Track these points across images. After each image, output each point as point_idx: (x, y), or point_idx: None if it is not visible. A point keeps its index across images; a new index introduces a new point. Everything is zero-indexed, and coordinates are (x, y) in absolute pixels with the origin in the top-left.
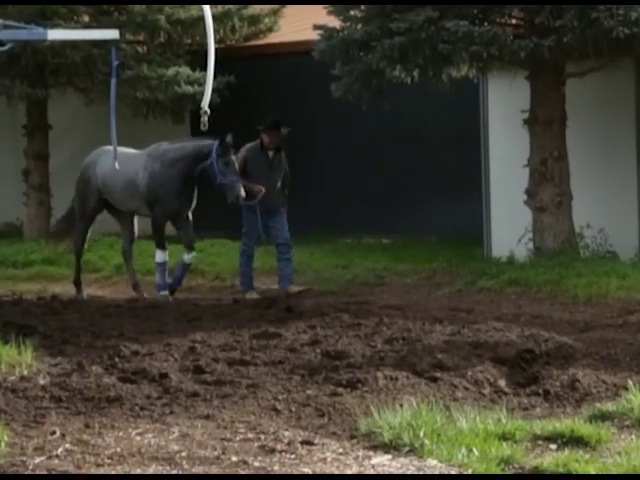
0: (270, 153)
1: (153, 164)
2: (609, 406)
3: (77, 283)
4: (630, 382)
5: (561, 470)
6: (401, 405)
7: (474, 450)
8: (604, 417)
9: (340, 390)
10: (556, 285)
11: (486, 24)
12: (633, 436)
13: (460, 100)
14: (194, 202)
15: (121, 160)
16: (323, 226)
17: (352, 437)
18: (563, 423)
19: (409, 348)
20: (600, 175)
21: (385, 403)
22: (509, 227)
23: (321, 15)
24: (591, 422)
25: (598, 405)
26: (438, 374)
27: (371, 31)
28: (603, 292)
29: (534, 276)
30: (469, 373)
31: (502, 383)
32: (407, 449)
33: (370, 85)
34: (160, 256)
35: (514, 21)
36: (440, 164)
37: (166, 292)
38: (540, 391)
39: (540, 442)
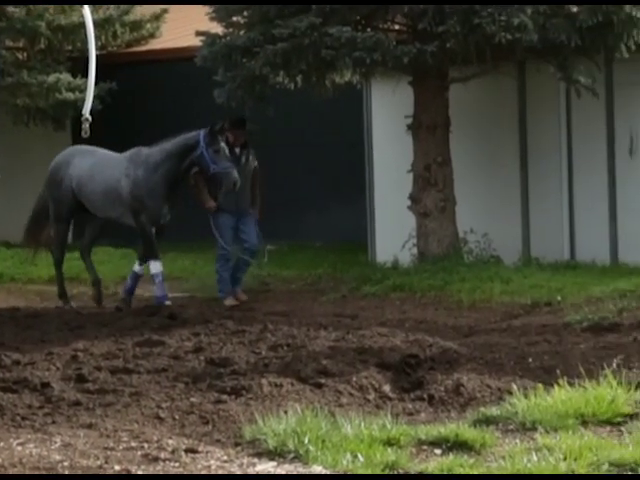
0: (237, 150)
1: (136, 170)
2: (493, 410)
3: (62, 295)
4: (514, 386)
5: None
6: (286, 412)
7: (359, 456)
8: (488, 421)
9: (224, 397)
10: (440, 290)
11: (369, 30)
12: (517, 440)
13: (344, 105)
14: (175, 208)
15: (99, 163)
16: (207, 233)
17: (236, 444)
18: (447, 428)
19: (294, 354)
20: (484, 180)
21: (270, 410)
22: (393, 232)
23: (203, 21)
24: (475, 426)
25: (482, 409)
26: (323, 380)
27: (254, 37)
28: (487, 297)
29: (418, 281)
30: (354, 379)
31: (387, 388)
32: (292, 456)
33: (253, 91)
34: (155, 267)
35: (397, 27)
36: (325, 170)
37: (169, 302)
38: (425, 396)
39: (425, 447)
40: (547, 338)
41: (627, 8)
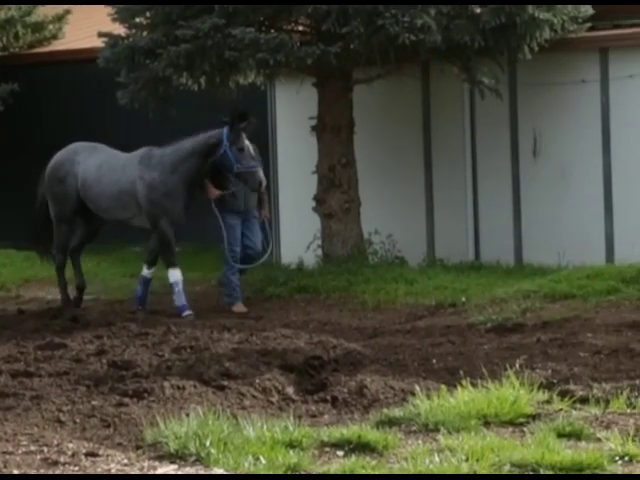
0: None
1: (151, 172)
2: (396, 412)
3: (66, 302)
4: (417, 387)
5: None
6: (188, 414)
7: (261, 458)
8: (391, 423)
9: (126, 400)
10: (345, 291)
11: (272, 31)
12: (420, 441)
13: (249, 107)
14: (190, 209)
15: (106, 164)
16: (111, 235)
17: (138, 447)
18: (350, 429)
19: (197, 357)
20: (388, 181)
21: (172, 413)
22: (298, 234)
23: (106, 22)
24: (378, 428)
25: (385, 411)
26: (226, 382)
27: (157, 38)
28: (391, 298)
29: (323, 283)
30: (257, 381)
31: (290, 390)
32: (193, 458)
33: (156, 92)
34: (174, 275)
35: (301, 28)
36: None
37: (190, 312)
38: (328, 398)
39: (327, 449)
40: (451, 339)
41: (530, 9)
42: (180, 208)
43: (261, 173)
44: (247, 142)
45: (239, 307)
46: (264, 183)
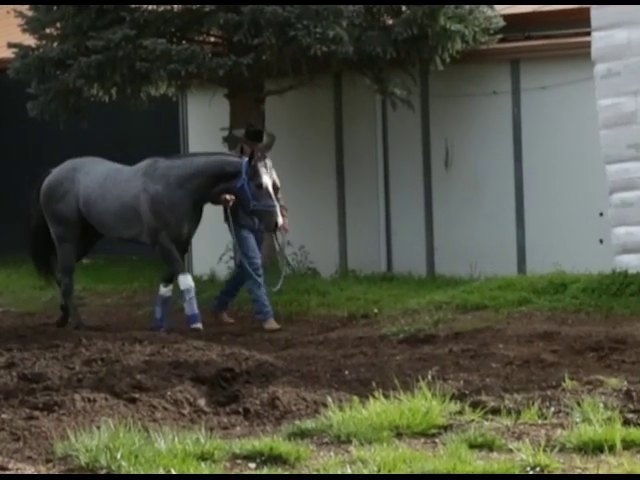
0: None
1: (155, 185)
2: (308, 423)
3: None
4: (329, 399)
5: None
6: (98, 427)
7: (172, 471)
8: (303, 434)
9: (36, 413)
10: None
11: (184, 42)
12: (332, 453)
13: (162, 118)
14: (197, 227)
15: (109, 179)
16: (22, 246)
17: (48, 461)
18: (262, 441)
19: (108, 369)
20: (301, 193)
21: (82, 425)
22: (210, 245)
23: (16, 33)
24: (290, 440)
25: (298, 423)
26: (137, 395)
27: (67, 49)
28: (304, 309)
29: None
30: (168, 393)
31: (202, 402)
32: (104, 472)
33: (67, 104)
34: (185, 282)
35: (212, 39)
36: None
37: (200, 324)
38: (240, 410)
39: (239, 461)
40: (363, 350)
41: (442, 21)
42: (182, 223)
43: (278, 214)
44: (265, 178)
45: (271, 324)
46: (280, 224)
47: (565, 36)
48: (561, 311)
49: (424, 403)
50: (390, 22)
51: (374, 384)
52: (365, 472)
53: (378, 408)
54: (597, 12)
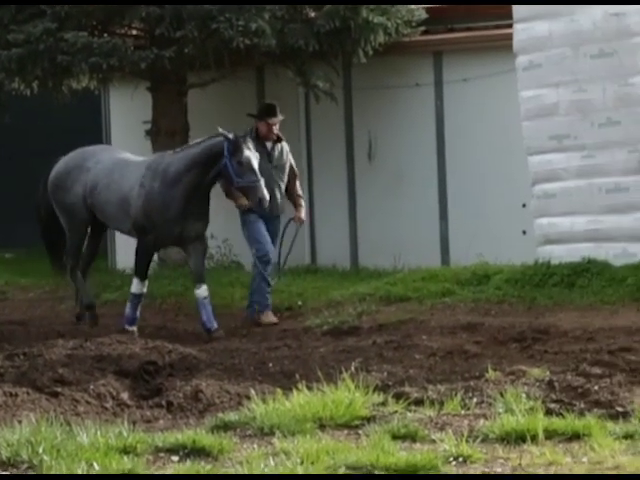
0: (268, 145)
1: (152, 181)
2: (232, 416)
3: (89, 306)
4: (252, 391)
5: None
6: (20, 421)
7: (94, 465)
8: (227, 427)
9: None
10: (180, 296)
11: (106, 35)
12: (255, 445)
13: (84, 111)
14: (207, 221)
15: (117, 168)
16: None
17: None
18: (185, 434)
19: (30, 363)
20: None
21: (4, 420)
22: (133, 239)
23: None
24: (213, 432)
25: (221, 415)
26: (59, 389)
27: None
28: (228, 302)
29: (158, 288)
30: (91, 387)
31: (125, 396)
32: (26, 466)
33: None
34: (137, 286)
35: (134, 32)
36: None
37: (134, 327)
38: (163, 403)
39: (162, 454)
40: (287, 343)
41: (364, 13)
42: (172, 226)
43: (262, 190)
44: (247, 154)
45: (268, 316)
46: (265, 201)
47: (487, 28)
48: (484, 302)
49: (347, 395)
50: (313, 15)
51: (297, 376)
52: (288, 464)
53: (301, 400)
54: (519, 4)
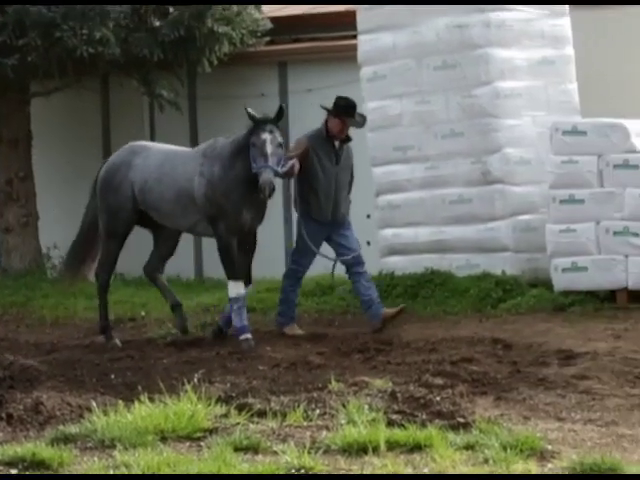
0: (336, 143)
1: (211, 167)
2: (72, 428)
3: (105, 327)
4: (94, 403)
5: None
6: None
7: None
8: (67, 440)
9: None
10: (22, 307)
11: None
12: (96, 458)
13: None
14: (264, 213)
15: (168, 162)
16: None
17: None
18: (24, 447)
19: None
20: (69, 195)
21: None
22: None
23: None
24: (53, 445)
25: (61, 428)
26: None
27: None
28: (70, 313)
29: (0, 298)
30: None
31: None
32: None
33: None
34: (235, 289)
35: None
36: None
37: (249, 335)
38: (3, 415)
39: (1, 467)
40: (130, 354)
41: (209, 23)
42: (242, 210)
43: (269, 175)
44: (264, 136)
45: (292, 329)
46: (269, 191)
47: (332, 39)
48: (328, 313)
49: (190, 406)
50: (157, 24)
51: (140, 388)
52: None
53: (143, 412)
54: (363, 15)
